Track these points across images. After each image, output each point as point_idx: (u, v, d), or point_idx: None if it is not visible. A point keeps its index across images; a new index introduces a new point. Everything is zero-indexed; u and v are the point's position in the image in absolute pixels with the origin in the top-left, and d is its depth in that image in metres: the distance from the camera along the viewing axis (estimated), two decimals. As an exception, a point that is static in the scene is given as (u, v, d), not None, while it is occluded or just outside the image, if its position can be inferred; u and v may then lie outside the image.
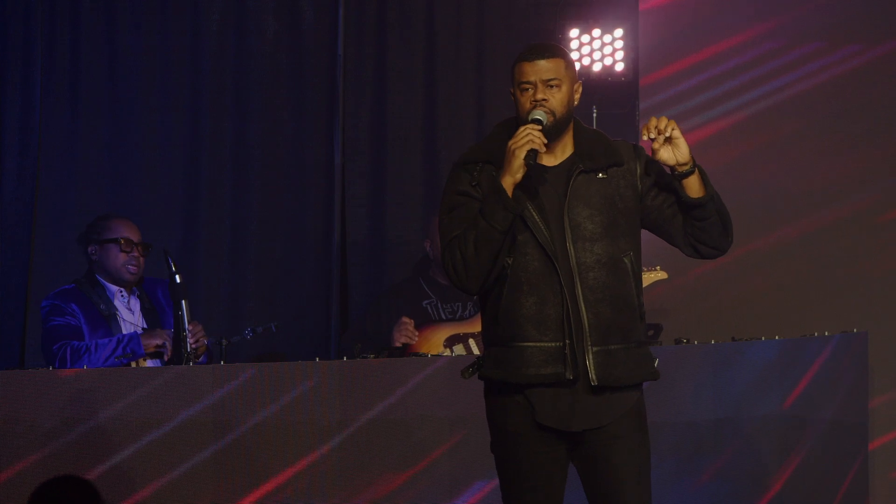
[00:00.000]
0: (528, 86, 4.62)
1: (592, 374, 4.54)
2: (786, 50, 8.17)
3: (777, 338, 7.02)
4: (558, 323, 4.54)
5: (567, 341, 4.53)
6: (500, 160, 4.59)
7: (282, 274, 7.82)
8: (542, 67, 4.61)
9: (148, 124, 7.59)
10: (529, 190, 4.58)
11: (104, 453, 5.54)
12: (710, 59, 8.20)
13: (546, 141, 4.55)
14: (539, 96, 4.60)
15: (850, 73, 8.10)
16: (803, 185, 8.10)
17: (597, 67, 8.10)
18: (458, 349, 7.10)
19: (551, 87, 4.61)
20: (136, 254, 6.56)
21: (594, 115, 7.98)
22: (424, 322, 7.25)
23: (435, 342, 7.17)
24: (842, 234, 8.08)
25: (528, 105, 4.61)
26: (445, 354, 7.05)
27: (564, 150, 4.67)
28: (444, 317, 7.33)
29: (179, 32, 7.65)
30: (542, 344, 4.55)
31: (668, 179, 4.66)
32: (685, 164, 4.57)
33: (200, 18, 7.68)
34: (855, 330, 7.43)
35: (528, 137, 4.51)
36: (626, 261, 4.60)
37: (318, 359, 6.08)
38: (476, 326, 7.19)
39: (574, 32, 8.13)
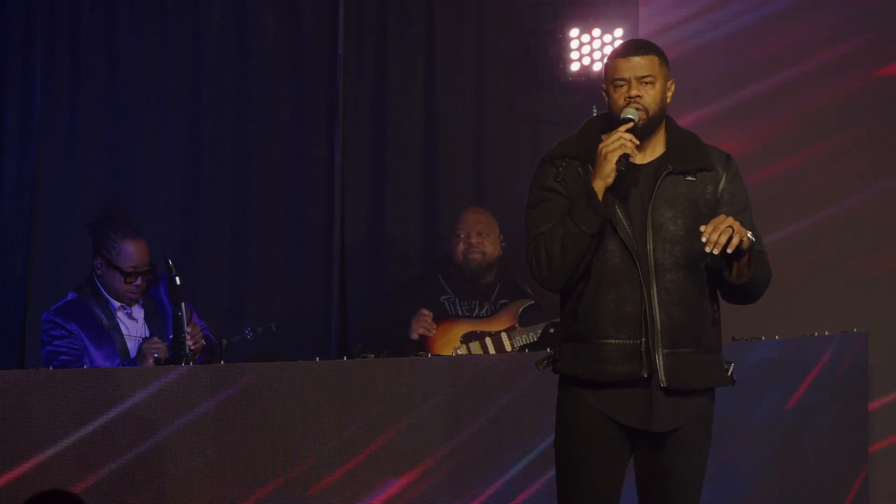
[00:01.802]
0: (621, 82, 4.58)
1: (661, 376, 4.52)
2: (786, 49, 8.16)
3: (777, 338, 7.01)
4: (636, 321, 4.52)
5: (643, 339, 4.51)
6: (587, 157, 4.57)
7: (282, 274, 7.81)
8: (637, 64, 4.57)
9: (148, 124, 7.57)
10: (617, 189, 4.54)
11: (104, 455, 5.52)
12: (710, 58, 8.19)
13: (638, 143, 4.52)
14: (633, 93, 4.56)
15: (851, 73, 8.09)
16: (803, 185, 8.09)
17: (597, 67, 8.10)
18: (475, 346, 7.09)
19: (645, 83, 4.57)
20: (139, 282, 6.52)
21: (594, 114, 7.94)
22: (442, 316, 7.25)
23: (452, 336, 7.17)
24: (842, 233, 8.07)
25: (621, 102, 4.58)
26: (461, 350, 7.05)
27: (655, 149, 4.65)
28: (461, 313, 7.33)
29: (179, 32, 7.64)
30: (619, 341, 4.53)
31: (741, 209, 4.62)
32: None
33: (200, 18, 7.67)
34: (855, 330, 7.42)
35: (621, 142, 4.49)
36: (702, 266, 4.56)
37: (318, 359, 6.08)
38: (493, 326, 7.20)
39: (574, 32, 8.13)
